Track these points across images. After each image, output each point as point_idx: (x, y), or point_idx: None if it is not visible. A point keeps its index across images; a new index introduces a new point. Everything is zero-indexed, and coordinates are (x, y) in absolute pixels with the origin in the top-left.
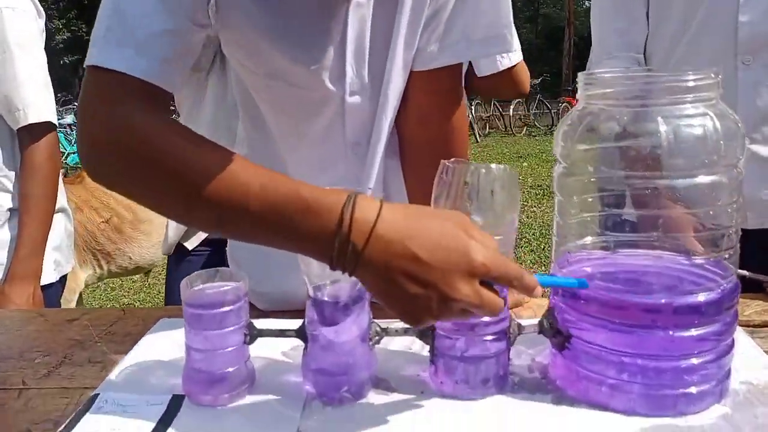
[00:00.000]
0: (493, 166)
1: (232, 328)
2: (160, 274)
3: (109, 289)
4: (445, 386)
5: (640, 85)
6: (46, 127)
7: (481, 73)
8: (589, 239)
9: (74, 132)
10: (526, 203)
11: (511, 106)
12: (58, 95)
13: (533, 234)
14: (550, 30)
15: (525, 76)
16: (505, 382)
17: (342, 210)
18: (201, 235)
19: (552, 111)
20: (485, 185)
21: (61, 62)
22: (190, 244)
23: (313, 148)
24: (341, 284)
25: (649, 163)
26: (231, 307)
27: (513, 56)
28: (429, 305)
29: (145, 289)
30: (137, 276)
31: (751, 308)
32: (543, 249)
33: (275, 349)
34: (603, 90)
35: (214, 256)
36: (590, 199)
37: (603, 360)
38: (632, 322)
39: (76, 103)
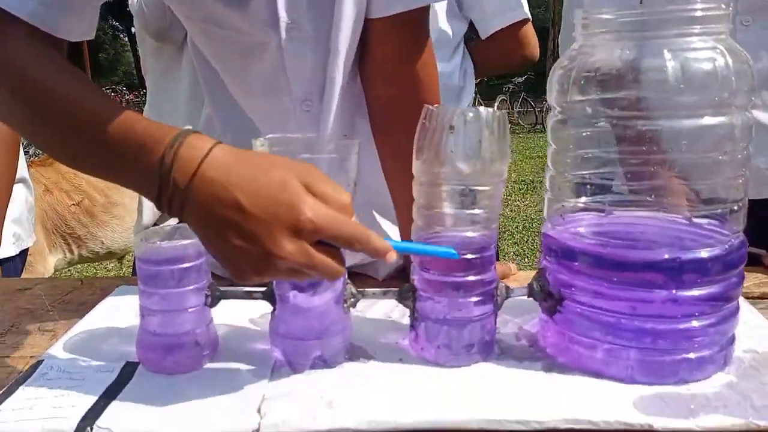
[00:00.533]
0: (482, 109)
1: (192, 287)
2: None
3: (82, 276)
4: (426, 352)
5: (644, 15)
6: None
7: (486, 32)
8: (583, 199)
9: None
10: (509, 197)
11: (495, 104)
12: None
13: (516, 227)
14: (535, 31)
15: (534, 38)
16: (491, 349)
17: (167, 145)
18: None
19: (536, 109)
20: (473, 131)
21: None
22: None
23: (261, 101)
24: None
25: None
26: (191, 263)
27: (516, 13)
28: (251, 260)
29: (119, 275)
30: (111, 263)
31: (749, 280)
32: (526, 242)
33: (241, 315)
34: (602, 25)
35: None
36: (588, 154)
37: (597, 323)
38: (631, 280)
39: None
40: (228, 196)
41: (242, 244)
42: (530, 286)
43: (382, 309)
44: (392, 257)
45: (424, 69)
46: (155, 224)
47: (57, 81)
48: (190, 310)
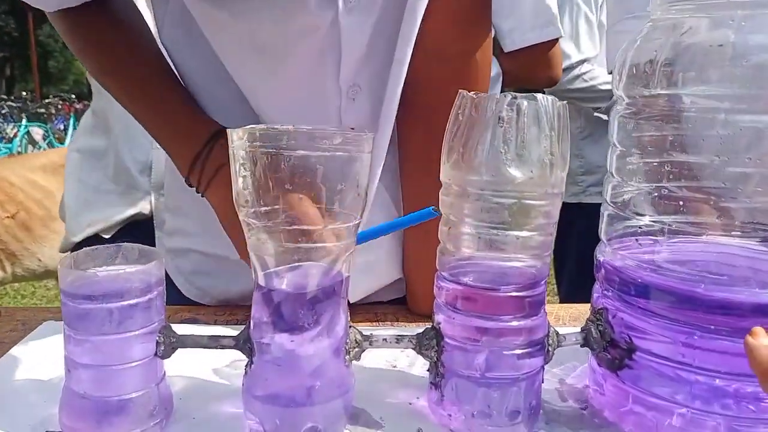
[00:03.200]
0: (540, 96)
1: (137, 332)
2: None
3: (19, 297)
4: (454, 421)
5: None
6: None
7: (515, 44)
8: (658, 217)
9: None
10: None
11: None
12: None
13: None
14: None
15: (560, 58)
16: (537, 416)
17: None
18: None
19: None
20: (529, 125)
21: None
22: (107, 232)
23: (295, 93)
24: (306, 267)
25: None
26: (139, 299)
27: (553, 30)
28: None
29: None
30: (51, 281)
31: None
32: None
33: (203, 366)
34: None
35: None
36: (668, 161)
37: (679, 382)
38: (731, 328)
39: None
40: None
41: None
42: (586, 332)
43: (382, 354)
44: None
45: (483, 53)
46: (87, 242)
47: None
48: (132, 364)
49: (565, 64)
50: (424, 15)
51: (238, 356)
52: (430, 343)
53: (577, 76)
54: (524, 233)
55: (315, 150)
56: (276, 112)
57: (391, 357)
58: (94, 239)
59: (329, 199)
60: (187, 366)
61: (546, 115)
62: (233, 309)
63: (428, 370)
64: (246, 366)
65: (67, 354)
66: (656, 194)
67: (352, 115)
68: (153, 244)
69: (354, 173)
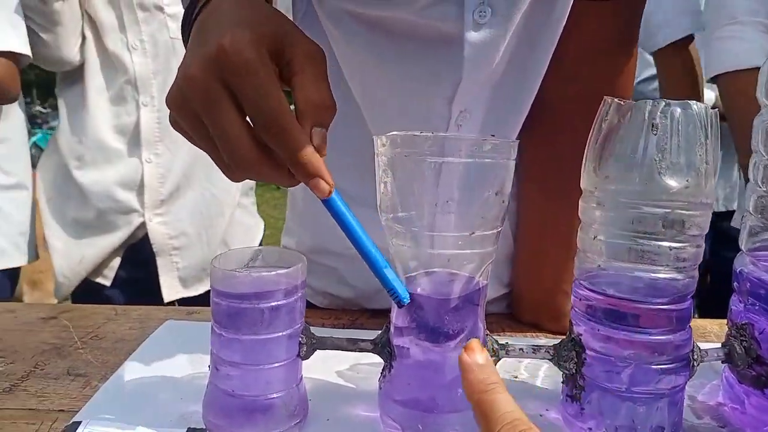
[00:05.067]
0: (693, 103)
1: (284, 333)
2: None
3: None
4: None
5: None
6: None
7: (659, 42)
8: None
9: None
10: None
11: None
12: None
13: None
14: None
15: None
16: None
17: None
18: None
19: None
20: (684, 132)
21: None
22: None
23: (402, 113)
24: (447, 274)
25: None
26: (285, 301)
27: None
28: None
29: None
30: None
31: None
32: None
33: (325, 369)
34: None
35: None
36: None
37: None
38: None
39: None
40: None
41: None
42: (729, 347)
43: (501, 365)
44: (321, 188)
45: (627, 72)
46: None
47: None
48: (277, 364)
49: (648, 74)
50: (560, 38)
51: (357, 359)
52: (569, 355)
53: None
54: (677, 244)
55: (463, 157)
56: (383, 126)
57: (511, 368)
58: None
59: (475, 205)
60: (312, 369)
61: (700, 121)
62: (339, 313)
63: (562, 382)
64: (383, 370)
65: (216, 352)
66: None
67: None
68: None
69: (500, 180)
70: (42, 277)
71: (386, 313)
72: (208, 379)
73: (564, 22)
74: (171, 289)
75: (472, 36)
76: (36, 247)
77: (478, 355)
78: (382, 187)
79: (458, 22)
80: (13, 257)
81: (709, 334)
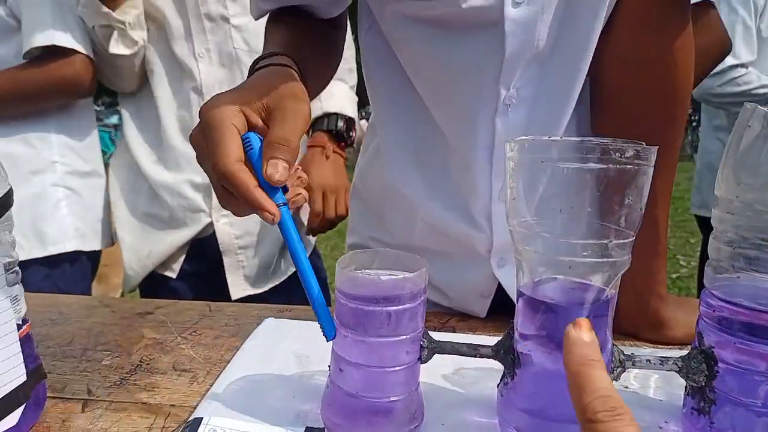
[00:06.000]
0: None
1: (408, 336)
2: None
3: None
4: None
5: None
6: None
7: None
8: None
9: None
10: None
11: None
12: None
13: None
14: None
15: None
16: None
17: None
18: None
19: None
20: None
21: None
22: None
23: (454, 96)
24: (576, 281)
25: None
26: (410, 305)
27: None
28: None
29: None
30: None
31: None
32: None
33: (431, 371)
34: None
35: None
36: None
37: None
38: None
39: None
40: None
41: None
42: None
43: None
44: (265, 218)
45: (682, 51)
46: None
47: None
48: (399, 368)
49: (718, 68)
50: (609, 20)
51: (460, 364)
52: (699, 367)
53: (731, 80)
54: None
55: (599, 162)
56: (442, 116)
57: (621, 377)
58: None
59: (610, 213)
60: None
61: None
62: (428, 316)
63: (687, 395)
64: (504, 377)
65: (339, 353)
66: None
67: (506, 123)
68: None
69: (640, 187)
70: (107, 271)
71: (474, 317)
72: (328, 379)
73: None
74: (238, 287)
75: (512, 12)
76: (111, 235)
77: (585, 333)
78: (509, 191)
79: (499, 2)
80: (93, 241)
81: None
